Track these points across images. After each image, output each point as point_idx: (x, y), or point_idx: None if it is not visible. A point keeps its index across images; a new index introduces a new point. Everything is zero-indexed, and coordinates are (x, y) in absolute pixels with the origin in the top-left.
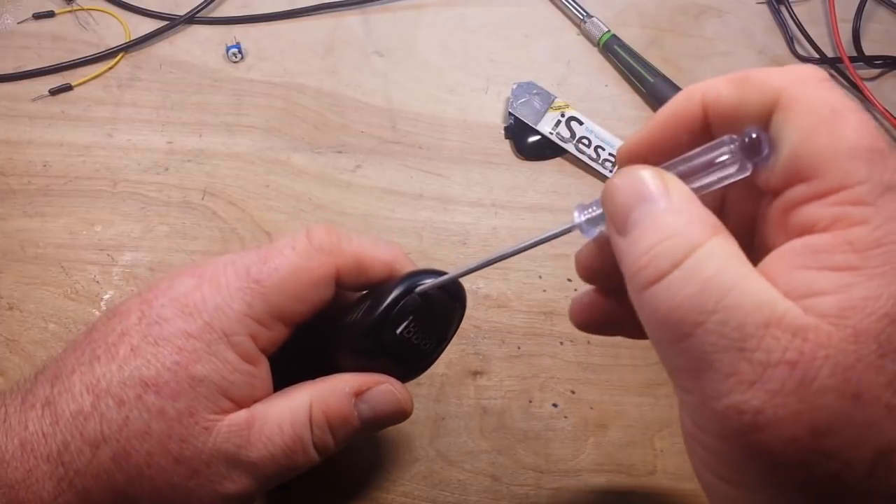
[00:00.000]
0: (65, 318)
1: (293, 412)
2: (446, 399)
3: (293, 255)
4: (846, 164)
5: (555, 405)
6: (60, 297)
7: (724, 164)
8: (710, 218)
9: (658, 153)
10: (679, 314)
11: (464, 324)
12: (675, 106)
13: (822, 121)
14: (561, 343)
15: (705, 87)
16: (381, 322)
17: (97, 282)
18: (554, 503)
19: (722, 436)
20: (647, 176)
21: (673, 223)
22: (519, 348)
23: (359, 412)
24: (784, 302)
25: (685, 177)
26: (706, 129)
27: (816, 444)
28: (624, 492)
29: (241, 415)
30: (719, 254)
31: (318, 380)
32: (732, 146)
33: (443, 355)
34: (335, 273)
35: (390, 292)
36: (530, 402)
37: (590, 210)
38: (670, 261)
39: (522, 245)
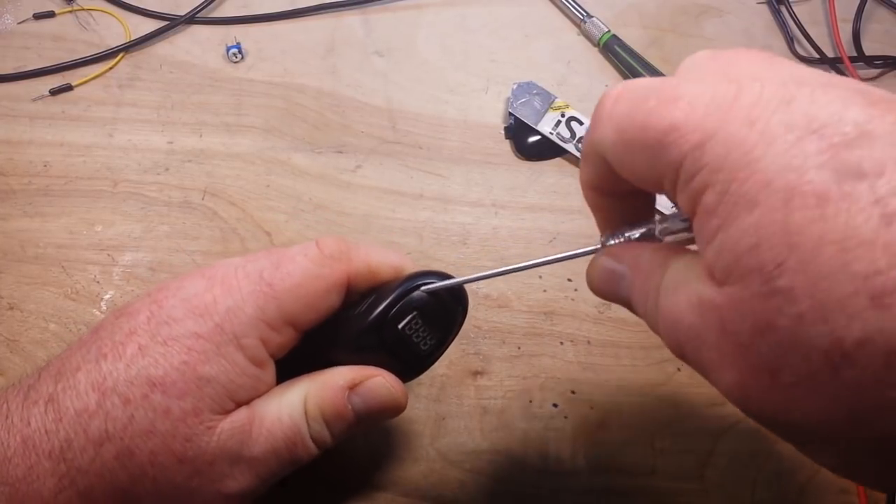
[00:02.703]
0: (65, 318)
1: (291, 405)
2: (446, 399)
3: (305, 261)
4: (663, 157)
5: (555, 405)
6: (61, 297)
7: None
8: (654, 259)
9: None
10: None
11: (464, 324)
12: None
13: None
14: (561, 343)
15: None
16: (385, 315)
17: (98, 282)
18: (554, 503)
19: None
20: (609, 263)
21: (642, 290)
22: (519, 348)
23: (352, 405)
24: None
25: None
26: None
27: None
28: (624, 492)
29: (242, 412)
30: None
31: (313, 373)
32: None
33: (443, 355)
34: (346, 281)
35: (396, 287)
36: (530, 402)
37: (615, 237)
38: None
39: (540, 260)
